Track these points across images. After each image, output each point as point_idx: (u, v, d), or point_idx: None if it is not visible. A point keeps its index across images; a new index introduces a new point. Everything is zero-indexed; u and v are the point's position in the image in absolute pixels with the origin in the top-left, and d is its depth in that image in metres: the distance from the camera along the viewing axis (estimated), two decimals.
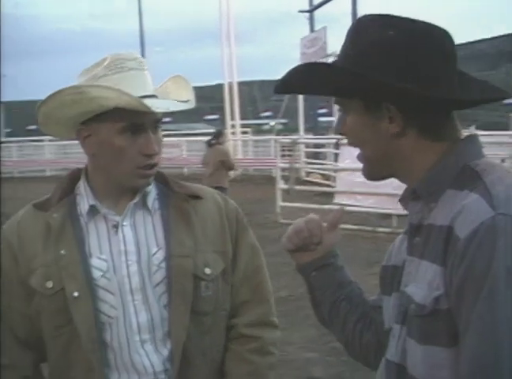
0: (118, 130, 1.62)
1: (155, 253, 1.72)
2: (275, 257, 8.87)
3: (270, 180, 19.03)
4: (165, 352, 1.71)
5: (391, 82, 1.15)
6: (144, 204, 1.75)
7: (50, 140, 23.50)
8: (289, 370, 4.92)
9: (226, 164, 10.67)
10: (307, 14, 24.31)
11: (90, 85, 1.60)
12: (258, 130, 26.82)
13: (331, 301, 1.51)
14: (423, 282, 1.18)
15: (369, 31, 1.20)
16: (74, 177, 1.78)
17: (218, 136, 10.98)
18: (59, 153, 23.82)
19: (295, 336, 5.70)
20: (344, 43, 1.23)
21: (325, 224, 1.52)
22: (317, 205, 11.16)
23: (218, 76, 21.72)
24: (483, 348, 1.06)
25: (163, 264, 1.71)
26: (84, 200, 1.73)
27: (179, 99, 1.72)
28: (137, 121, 1.61)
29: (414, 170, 1.24)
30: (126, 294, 1.69)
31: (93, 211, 1.73)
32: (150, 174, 1.70)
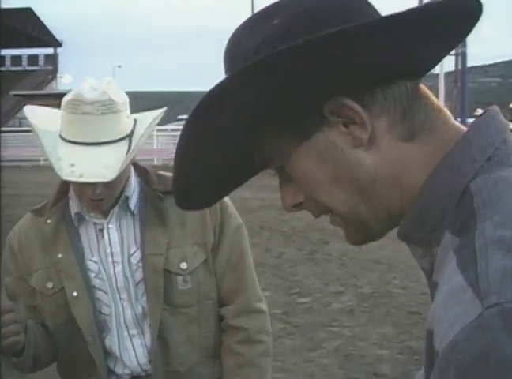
0: None
1: (133, 253, 1.82)
2: (364, 253, 8.86)
3: None
4: (149, 345, 1.84)
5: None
6: (127, 207, 1.83)
7: (158, 130, 23.87)
8: (357, 365, 4.91)
9: None
10: None
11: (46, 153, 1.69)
12: None
13: None
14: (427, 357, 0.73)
15: (244, 41, 0.79)
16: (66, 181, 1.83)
17: None
18: (169, 143, 24.21)
19: (372, 333, 5.66)
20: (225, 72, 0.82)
21: None
22: None
23: None
24: None
25: (141, 264, 1.82)
26: (73, 205, 1.84)
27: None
28: None
29: (404, 203, 0.78)
30: (114, 293, 1.82)
31: (80, 216, 1.84)
32: (99, 207, 1.78)
